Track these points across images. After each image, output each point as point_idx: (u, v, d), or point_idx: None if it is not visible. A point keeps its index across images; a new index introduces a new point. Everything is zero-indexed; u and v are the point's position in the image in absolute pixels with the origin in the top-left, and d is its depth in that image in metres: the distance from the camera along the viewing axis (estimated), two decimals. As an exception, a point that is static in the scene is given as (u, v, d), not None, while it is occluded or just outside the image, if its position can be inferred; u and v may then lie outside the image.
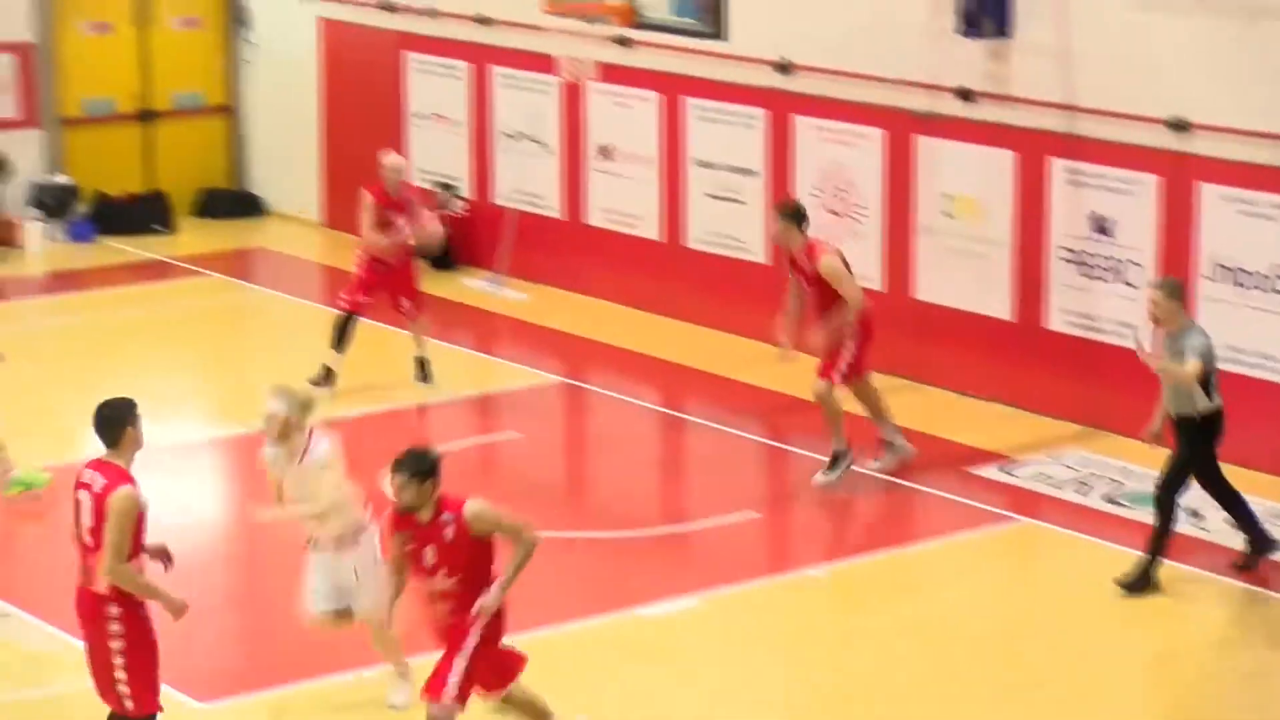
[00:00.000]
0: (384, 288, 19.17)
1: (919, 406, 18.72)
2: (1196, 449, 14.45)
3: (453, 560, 11.39)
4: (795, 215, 16.83)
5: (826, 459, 16.72)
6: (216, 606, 14.79)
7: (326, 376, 18.91)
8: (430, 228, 19.36)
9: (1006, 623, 14.57)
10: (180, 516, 16.32)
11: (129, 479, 10.87)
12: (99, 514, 10.80)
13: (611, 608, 14.55)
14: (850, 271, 16.69)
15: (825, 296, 16.55)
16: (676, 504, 17.48)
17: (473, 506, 11.42)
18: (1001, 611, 14.80)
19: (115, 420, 11.00)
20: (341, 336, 19.11)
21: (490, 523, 11.42)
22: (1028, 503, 16.60)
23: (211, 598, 14.87)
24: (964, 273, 19.08)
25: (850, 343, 16.52)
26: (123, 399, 11.11)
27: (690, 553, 15.91)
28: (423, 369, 19.30)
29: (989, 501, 16.62)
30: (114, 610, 10.90)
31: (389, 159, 19.58)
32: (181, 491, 16.97)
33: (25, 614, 14.42)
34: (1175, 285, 14.65)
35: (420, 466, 11.37)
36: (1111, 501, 16.49)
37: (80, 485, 10.96)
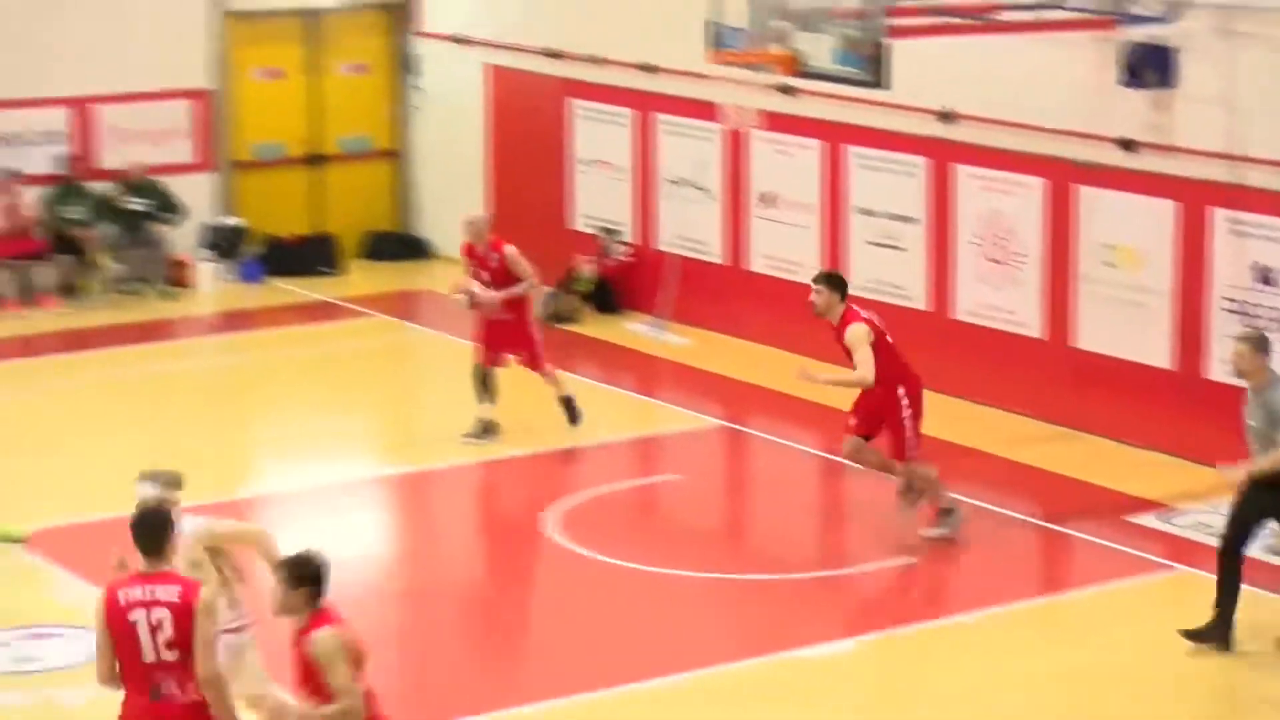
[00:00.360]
0: (495, 341, 18.99)
1: (1077, 454, 18.67)
2: (1265, 505, 14.33)
3: (299, 675, 10.47)
4: (835, 283, 16.55)
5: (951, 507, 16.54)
6: (385, 640, 14.96)
7: (485, 430, 18.89)
8: (485, 295, 18.81)
9: (1163, 671, 14.39)
10: (346, 552, 16.55)
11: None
12: (182, 621, 10.27)
13: (768, 650, 14.50)
14: (875, 348, 16.12)
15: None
16: (833, 548, 17.45)
17: (319, 636, 10.21)
18: (1158, 660, 14.59)
19: (164, 527, 10.54)
20: (484, 388, 19.00)
21: (324, 665, 10.19)
22: (1186, 552, 16.41)
23: (379, 631, 15.06)
24: (1124, 321, 18.98)
25: (908, 421, 16.25)
26: (161, 506, 10.80)
27: (846, 596, 15.92)
28: (569, 410, 19.12)
29: (1147, 550, 16.50)
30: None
31: (470, 215, 19.55)
32: (347, 528, 17.22)
33: None
34: (1261, 339, 14.47)
35: (295, 572, 10.33)
36: (1273, 552, 16.22)
37: (135, 605, 10.30)
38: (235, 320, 24.24)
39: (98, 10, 24.72)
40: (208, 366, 22.48)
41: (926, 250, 20.53)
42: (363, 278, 25.70)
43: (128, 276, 24.81)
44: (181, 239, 25.26)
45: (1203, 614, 15.61)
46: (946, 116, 20.14)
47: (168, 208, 24.92)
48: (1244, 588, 15.36)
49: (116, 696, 13.47)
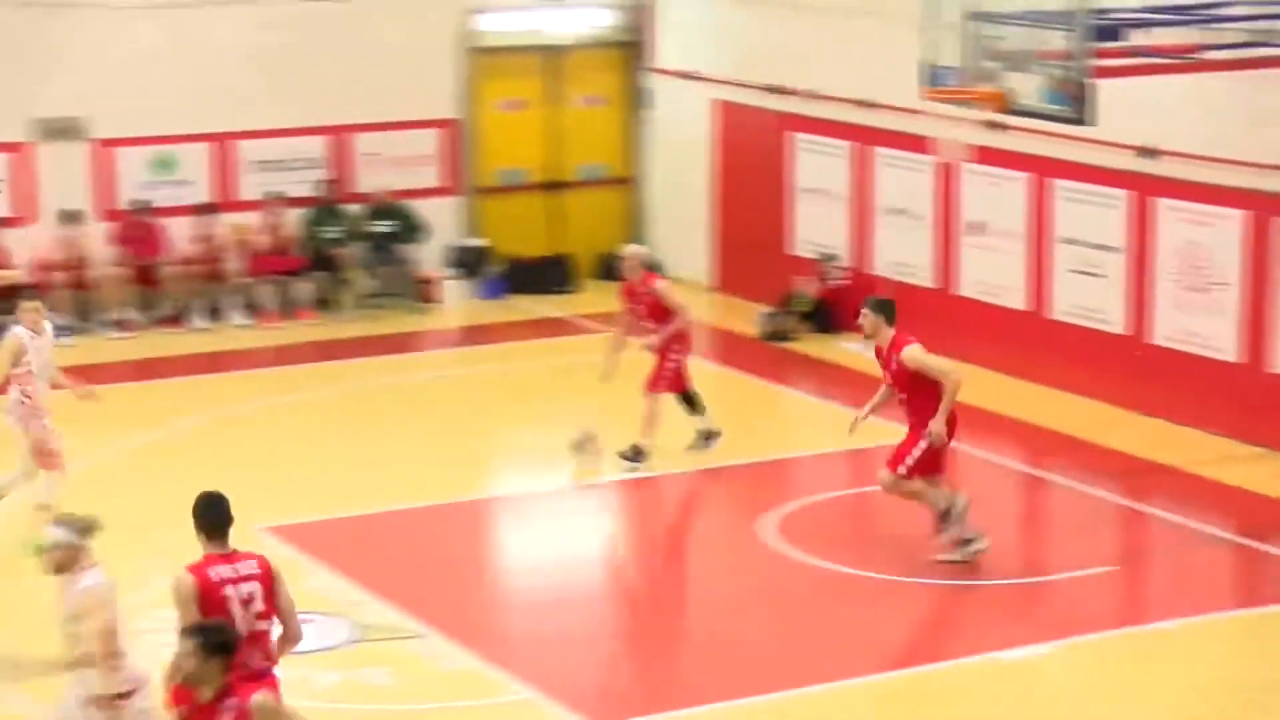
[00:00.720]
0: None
1: (1274, 474, 18.53)
2: None
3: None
4: (882, 309, 16.05)
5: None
6: (609, 636, 15.26)
7: (707, 438, 18.93)
8: (648, 341, 18.67)
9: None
10: (571, 554, 16.88)
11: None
12: (270, 590, 10.46)
13: (971, 652, 14.55)
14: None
15: (913, 390, 15.78)
16: (1035, 556, 17.41)
17: (259, 701, 9.50)
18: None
19: (227, 509, 10.59)
20: (690, 406, 18.97)
21: None
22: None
23: (604, 628, 15.37)
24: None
25: (920, 446, 15.80)
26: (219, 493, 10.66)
27: (1047, 602, 15.82)
28: (634, 454, 18.64)
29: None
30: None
31: (625, 250, 19.50)
32: (573, 531, 17.52)
33: (438, 634, 14.80)
34: None
35: (208, 639, 9.38)
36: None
37: (227, 581, 10.35)
38: (476, 334, 24.56)
39: (355, 47, 25.20)
40: (450, 377, 22.68)
41: (1127, 278, 20.55)
42: (596, 296, 25.69)
43: (378, 292, 25.29)
44: (429, 258, 25.63)
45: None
46: (1149, 152, 20.13)
47: (411, 229, 25.32)
48: None
49: (366, 677, 13.93)
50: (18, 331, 16.42)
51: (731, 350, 23.38)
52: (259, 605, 10.38)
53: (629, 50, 27.05)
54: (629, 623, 15.71)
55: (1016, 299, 21.83)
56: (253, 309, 24.69)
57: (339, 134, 25.47)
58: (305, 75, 24.99)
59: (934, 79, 17.72)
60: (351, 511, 17.56)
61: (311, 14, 24.88)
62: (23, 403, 16.41)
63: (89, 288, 23.94)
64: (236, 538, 16.23)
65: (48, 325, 16.71)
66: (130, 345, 23.58)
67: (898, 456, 15.85)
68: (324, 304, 25.12)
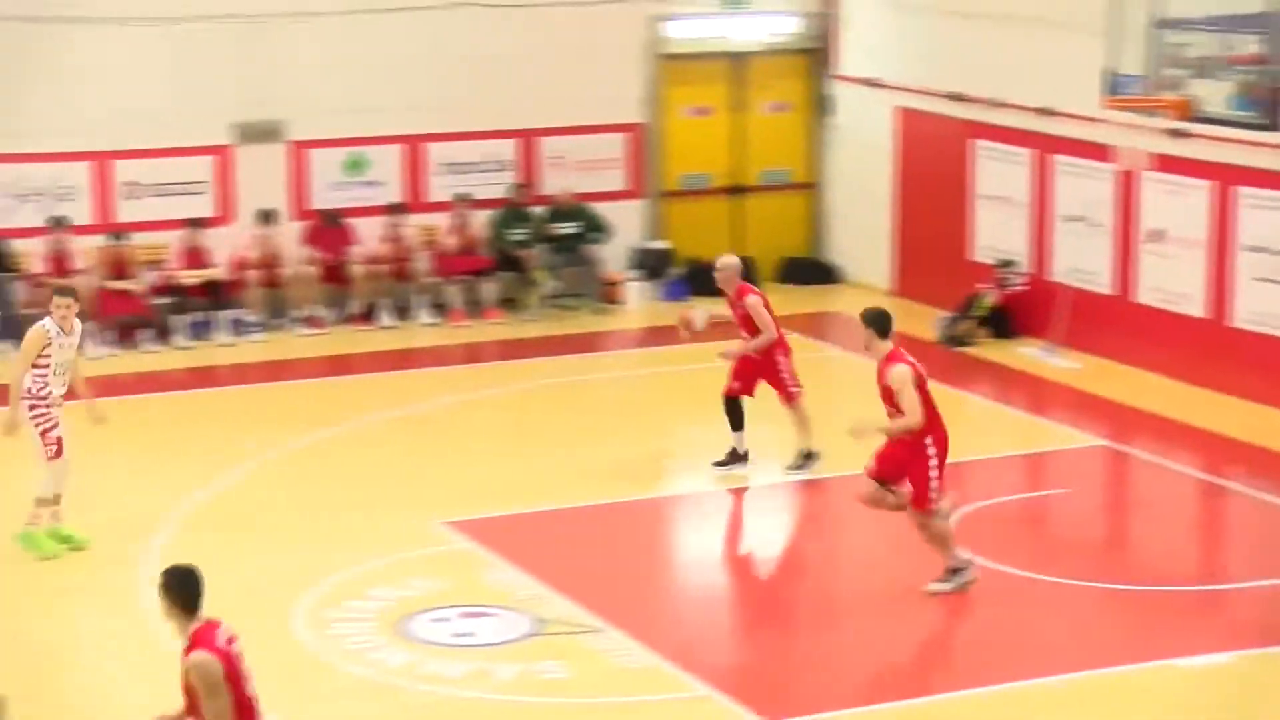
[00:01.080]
0: (751, 375, 18.38)
1: None
2: None
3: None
4: (872, 321, 15.34)
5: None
6: (782, 632, 15.05)
7: (732, 457, 18.40)
8: (731, 349, 18.26)
9: None
10: (746, 553, 16.70)
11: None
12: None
13: (1148, 657, 14.23)
14: (922, 392, 14.97)
15: (898, 409, 14.99)
16: (1214, 564, 17.08)
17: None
18: None
19: (201, 582, 10.04)
20: (732, 418, 18.38)
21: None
22: None
23: (775, 625, 15.17)
24: None
25: (934, 471, 14.98)
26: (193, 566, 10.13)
27: (1227, 611, 15.45)
28: (804, 458, 18.27)
29: None
30: None
31: (720, 260, 18.92)
32: (748, 530, 17.55)
33: (616, 630, 14.65)
34: None
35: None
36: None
37: (233, 640, 10.07)
38: (658, 335, 24.41)
39: (544, 52, 25.22)
40: (631, 376, 22.74)
41: (1313, 286, 20.10)
42: (777, 299, 25.25)
43: (562, 293, 25.29)
44: (614, 259, 25.64)
45: None
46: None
47: (594, 229, 25.31)
48: None
49: (544, 670, 13.86)
50: (45, 324, 16.02)
51: (911, 354, 23.02)
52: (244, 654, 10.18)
53: (812, 57, 26.91)
54: (801, 622, 15.45)
55: (1196, 307, 21.37)
56: (440, 308, 24.70)
57: (527, 137, 25.48)
58: (494, 80, 25.03)
59: (1116, 87, 17.38)
60: (532, 507, 17.48)
61: (501, 19, 24.89)
62: (32, 392, 15.99)
63: (281, 285, 24.05)
64: (419, 533, 16.50)
65: (77, 325, 16.23)
66: (320, 342, 23.69)
67: (921, 497, 15.03)
68: (509, 304, 25.11)
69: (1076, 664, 14.03)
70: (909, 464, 15.02)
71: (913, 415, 14.81)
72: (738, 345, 18.33)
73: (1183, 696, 13.78)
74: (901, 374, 14.93)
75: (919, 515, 15.15)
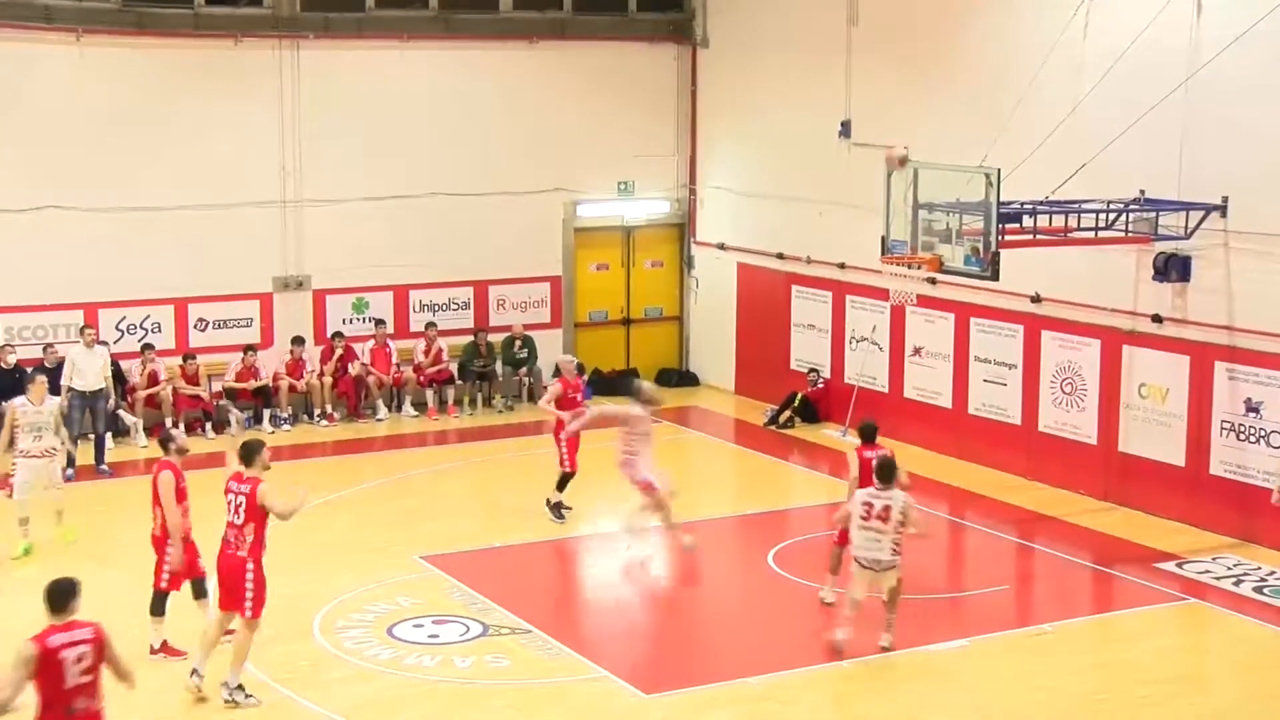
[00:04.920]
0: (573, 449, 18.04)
1: (1122, 522, 18.21)
2: None
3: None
4: (862, 432, 15.18)
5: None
6: (669, 628, 14.97)
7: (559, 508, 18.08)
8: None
9: (1181, 667, 14.04)
10: (644, 574, 16.55)
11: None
12: (100, 649, 9.38)
13: (912, 645, 14.14)
14: (851, 488, 14.47)
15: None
16: (953, 578, 16.92)
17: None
18: (1176, 659, 14.26)
19: (68, 594, 9.40)
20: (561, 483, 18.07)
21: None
22: (1196, 589, 15.98)
23: (653, 627, 15.06)
24: (1156, 435, 18.61)
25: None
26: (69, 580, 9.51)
27: (963, 611, 15.36)
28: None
29: (1169, 586, 16.06)
30: None
31: (562, 358, 18.93)
32: (631, 560, 17.06)
33: (541, 632, 14.58)
34: None
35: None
36: (1258, 591, 15.88)
37: (62, 646, 9.23)
38: (573, 423, 24.42)
39: (495, 225, 25.00)
40: (554, 454, 22.48)
41: (1023, 386, 20.29)
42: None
43: (505, 394, 25.02)
44: (538, 372, 25.30)
45: (1208, 632, 15.02)
46: (1036, 299, 19.93)
47: (532, 351, 25.21)
48: (1237, 614, 14.88)
49: (492, 661, 13.64)
50: (15, 401, 16.87)
51: (746, 435, 23.22)
52: (88, 662, 9.28)
53: (679, 229, 26.92)
54: (671, 624, 15.33)
55: (945, 400, 21.61)
56: (417, 405, 24.43)
57: (480, 285, 25.33)
58: (458, 245, 24.86)
59: (890, 249, 17.66)
60: (482, 546, 17.37)
61: (463, 203, 24.78)
62: (12, 441, 16.77)
63: (304, 391, 23.83)
64: (402, 565, 16.39)
65: (48, 399, 16.89)
66: (332, 431, 23.42)
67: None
68: (470, 403, 24.77)
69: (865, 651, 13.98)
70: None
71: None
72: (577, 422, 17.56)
73: (941, 672, 13.75)
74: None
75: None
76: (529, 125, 25.16)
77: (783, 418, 23.57)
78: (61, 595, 9.39)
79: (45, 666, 9.17)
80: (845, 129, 22.69)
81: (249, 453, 12.73)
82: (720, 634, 14.73)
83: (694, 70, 26.10)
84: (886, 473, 13.90)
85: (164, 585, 13.83)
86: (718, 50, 25.68)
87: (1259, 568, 16.59)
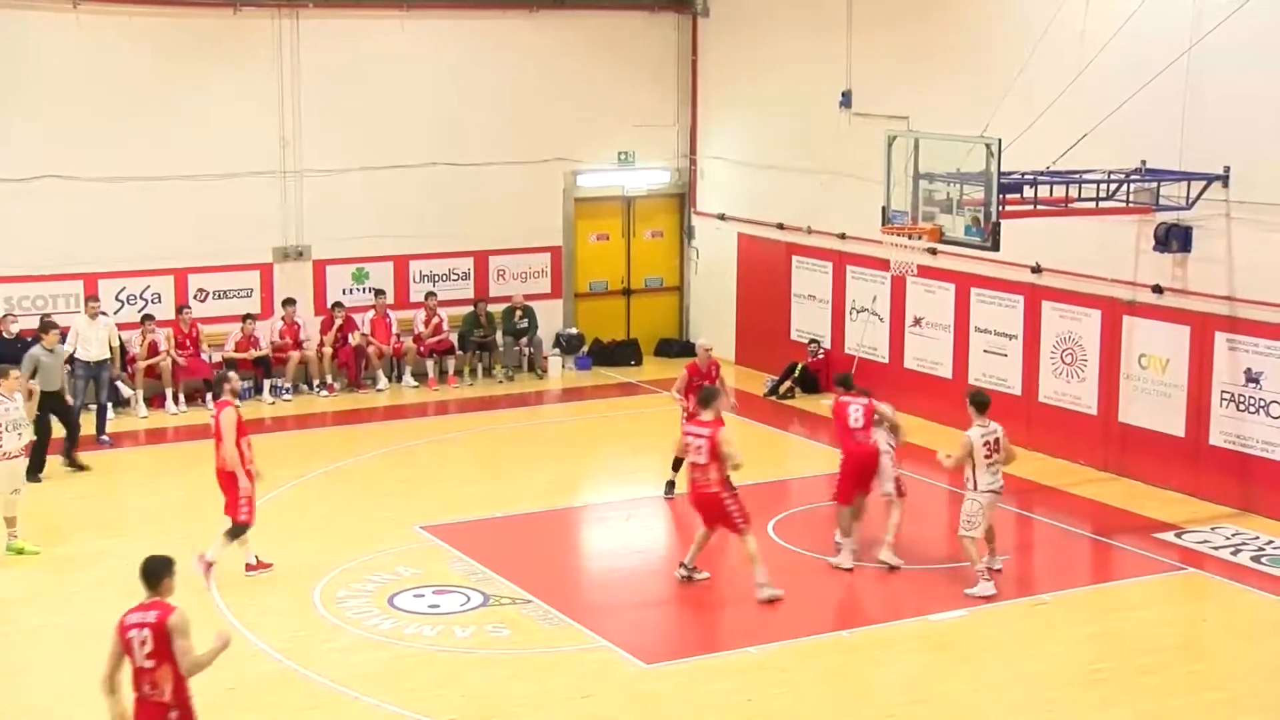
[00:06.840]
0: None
1: (1122, 493, 18.26)
2: None
3: None
4: (840, 382, 16.00)
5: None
6: (650, 603, 15.02)
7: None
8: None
9: (1180, 636, 14.08)
10: (645, 546, 16.62)
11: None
12: (161, 637, 8.91)
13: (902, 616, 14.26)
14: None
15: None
16: (952, 549, 16.75)
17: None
18: (1175, 628, 14.30)
19: (153, 571, 9.16)
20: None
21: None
22: (1194, 559, 16.04)
23: (650, 598, 15.11)
24: (1157, 405, 18.64)
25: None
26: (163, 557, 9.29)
27: (961, 583, 15.24)
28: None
29: (1167, 556, 16.11)
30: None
31: (702, 340, 18.77)
32: (642, 532, 17.16)
33: (541, 601, 14.66)
34: None
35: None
36: (1255, 561, 15.93)
37: (131, 626, 8.98)
38: (572, 394, 24.39)
39: (496, 196, 25.04)
40: (554, 423, 22.55)
41: (1023, 357, 20.28)
42: (655, 367, 25.74)
43: (506, 364, 25.08)
44: (539, 341, 25.39)
45: (1207, 600, 15.03)
46: (1036, 269, 19.95)
47: (533, 322, 25.22)
48: (1234, 583, 14.92)
49: (492, 630, 13.68)
50: None
51: (746, 405, 23.21)
52: (149, 647, 8.90)
53: (679, 199, 26.93)
54: (670, 596, 15.35)
55: (945, 370, 21.62)
56: (418, 376, 24.44)
57: (481, 256, 25.34)
58: (457, 215, 24.90)
59: (890, 219, 17.65)
60: (483, 515, 17.40)
61: (462, 173, 24.77)
62: None
63: (305, 362, 23.81)
64: (403, 535, 16.44)
65: (18, 396, 15.85)
66: (332, 401, 23.41)
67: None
68: (469, 373, 24.81)
69: (880, 618, 14.08)
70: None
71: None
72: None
73: (940, 642, 13.82)
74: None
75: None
76: (529, 95, 25.13)
77: (783, 388, 23.60)
78: (146, 573, 9.07)
79: (120, 644, 8.97)
80: (846, 99, 22.67)
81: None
82: (721, 604, 14.78)
83: (694, 40, 26.06)
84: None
85: (243, 517, 14.82)
86: (718, 20, 25.63)
87: (1257, 537, 16.64)
